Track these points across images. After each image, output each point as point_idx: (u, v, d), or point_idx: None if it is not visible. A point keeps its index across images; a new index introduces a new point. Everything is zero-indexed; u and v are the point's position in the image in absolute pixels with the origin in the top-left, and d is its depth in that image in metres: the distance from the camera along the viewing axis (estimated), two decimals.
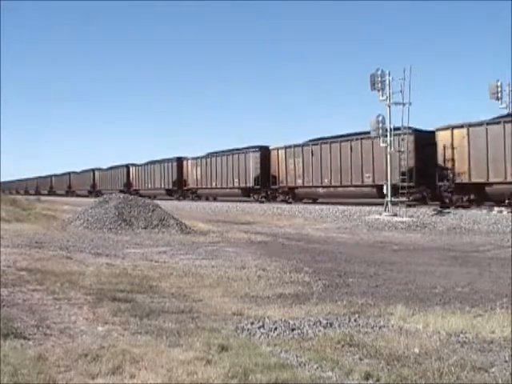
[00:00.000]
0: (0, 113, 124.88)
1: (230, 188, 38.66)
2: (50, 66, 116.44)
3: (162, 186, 48.67)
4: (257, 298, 7.78)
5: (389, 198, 23.63)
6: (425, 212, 23.31)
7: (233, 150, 39.25)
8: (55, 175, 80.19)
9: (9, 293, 7.57)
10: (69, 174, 73.64)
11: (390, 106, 23.84)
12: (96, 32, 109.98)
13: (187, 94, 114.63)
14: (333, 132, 32.67)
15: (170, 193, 47.72)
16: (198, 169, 42.87)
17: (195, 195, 44.17)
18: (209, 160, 41.66)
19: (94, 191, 61.67)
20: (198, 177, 42.74)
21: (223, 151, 40.68)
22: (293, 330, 5.88)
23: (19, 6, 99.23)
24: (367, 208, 25.98)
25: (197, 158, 43.67)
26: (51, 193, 76.41)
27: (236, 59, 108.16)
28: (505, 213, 21.12)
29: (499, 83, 26.24)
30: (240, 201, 36.57)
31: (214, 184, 40.71)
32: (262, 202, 34.94)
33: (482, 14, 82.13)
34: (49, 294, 7.55)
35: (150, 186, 51.18)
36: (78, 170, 71.60)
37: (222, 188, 39.88)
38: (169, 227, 18.66)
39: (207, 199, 43.68)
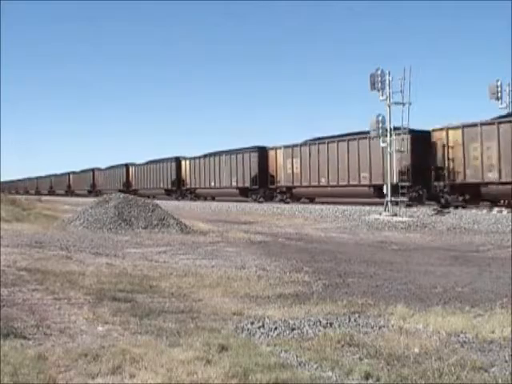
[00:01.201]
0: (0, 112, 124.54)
1: (354, 186, 28.48)
2: (57, 64, 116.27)
3: (233, 184, 38.26)
4: (257, 297, 7.77)
5: (388, 198, 23.63)
6: (425, 212, 23.30)
7: (354, 133, 29.09)
8: (73, 172, 69.63)
9: (9, 293, 7.57)
10: (92, 170, 63.22)
11: (389, 106, 23.85)
12: (95, 32, 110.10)
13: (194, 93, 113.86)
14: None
15: (244, 193, 37.47)
16: (295, 161, 32.66)
17: (288, 196, 34.10)
18: (314, 148, 31.25)
19: (127, 191, 47.51)
20: (295, 171, 32.53)
21: (338, 136, 29.90)
22: (293, 329, 5.88)
23: (19, 6, 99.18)
24: (367, 208, 25.98)
25: (292, 147, 33.30)
26: (69, 192, 67.57)
27: (236, 59, 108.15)
28: (505, 212, 21.11)
29: (499, 83, 26.24)
30: (369, 203, 27.41)
31: (322, 181, 30.51)
32: (420, 205, 25.18)
33: (482, 14, 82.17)
34: (49, 294, 7.55)
35: (212, 183, 40.75)
36: (102, 166, 61.63)
37: (336, 186, 29.55)
38: (169, 227, 18.66)
39: (298, 200, 33.73)
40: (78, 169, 69.09)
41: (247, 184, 36.75)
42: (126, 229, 18.23)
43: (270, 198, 35.43)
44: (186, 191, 44.73)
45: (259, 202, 35.22)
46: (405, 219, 22.09)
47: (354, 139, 28.53)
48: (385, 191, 24.06)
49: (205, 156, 42.58)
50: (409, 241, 16.64)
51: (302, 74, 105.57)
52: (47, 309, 6.76)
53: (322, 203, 30.91)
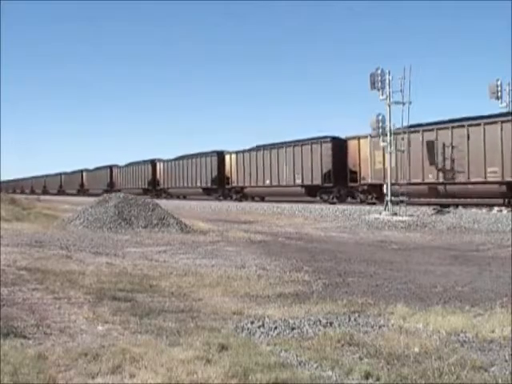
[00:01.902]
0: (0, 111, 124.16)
1: (475, 183, 22.51)
2: (64, 63, 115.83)
3: (297, 182, 31.91)
4: (257, 297, 7.77)
5: (388, 198, 23.63)
6: (425, 211, 23.29)
7: (474, 118, 23.09)
8: (87, 170, 62.85)
9: (9, 292, 7.57)
10: (109, 167, 56.86)
11: (390, 106, 23.84)
12: (96, 32, 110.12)
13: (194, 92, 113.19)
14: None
15: (312, 192, 31.39)
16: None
17: (374, 195, 27.47)
18: (416, 136, 24.41)
19: (153, 190, 46.46)
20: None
21: (457, 120, 23.38)
22: (293, 329, 5.88)
23: (19, 6, 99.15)
24: (367, 207, 25.97)
25: (393, 134, 24.39)
26: (81, 192, 60.38)
27: (236, 59, 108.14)
28: (505, 212, 21.11)
29: (499, 82, 26.21)
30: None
31: (429, 177, 24.22)
32: None
33: (482, 14, 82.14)
34: (49, 294, 7.56)
35: (267, 181, 34.40)
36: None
37: (449, 184, 23.15)
38: (169, 226, 18.67)
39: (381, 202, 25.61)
40: (88, 167, 63.73)
41: (317, 181, 30.53)
42: (126, 228, 18.24)
43: (346, 197, 29.96)
44: (231, 190, 38.65)
45: (331, 202, 29.70)
46: (405, 218, 22.09)
47: (478, 124, 22.55)
48: (385, 191, 24.05)
49: (256, 149, 36.20)
50: (409, 240, 16.64)
51: (302, 73, 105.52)
52: (47, 308, 6.76)
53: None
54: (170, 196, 45.70)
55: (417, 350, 5.05)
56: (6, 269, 9.47)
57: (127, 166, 54.36)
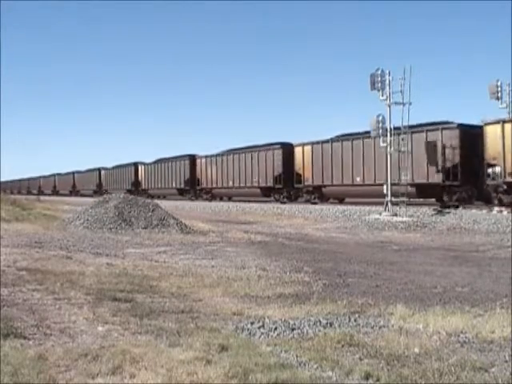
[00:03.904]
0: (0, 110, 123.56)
1: None
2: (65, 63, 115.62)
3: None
4: (257, 297, 7.77)
5: (389, 198, 23.63)
6: (425, 212, 23.29)
7: None
8: (143, 163, 49.88)
9: (9, 293, 7.57)
10: (190, 157, 42.14)
11: (390, 106, 23.85)
12: (99, 30, 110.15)
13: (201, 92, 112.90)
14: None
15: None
16: None
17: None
18: None
19: (291, 186, 32.11)
20: None
21: None
22: (293, 329, 5.88)
23: (19, 6, 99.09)
24: (367, 208, 25.97)
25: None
26: (140, 193, 41.37)
27: (236, 58, 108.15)
28: (505, 213, 21.09)
29: (499, 83, 26.22)
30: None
31: None
32: None
33: (482, 14, 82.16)
34: (49, 294, 7.55)
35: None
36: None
37: None
38: (169, 227, 18.67)
39: None
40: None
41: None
42: (126, 229, 18.23)
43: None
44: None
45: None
46: (405, 219, 22.08)
47: None
48: (385, 191, 24.05)
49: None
50: (409, 241, 16.64)
51: (301, 73, 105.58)
52: (47, 309, 6.76)
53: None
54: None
55: (417, 350, 5.05)
56: (6, 269, 9.48)
57: (219, 155, 39.08)
